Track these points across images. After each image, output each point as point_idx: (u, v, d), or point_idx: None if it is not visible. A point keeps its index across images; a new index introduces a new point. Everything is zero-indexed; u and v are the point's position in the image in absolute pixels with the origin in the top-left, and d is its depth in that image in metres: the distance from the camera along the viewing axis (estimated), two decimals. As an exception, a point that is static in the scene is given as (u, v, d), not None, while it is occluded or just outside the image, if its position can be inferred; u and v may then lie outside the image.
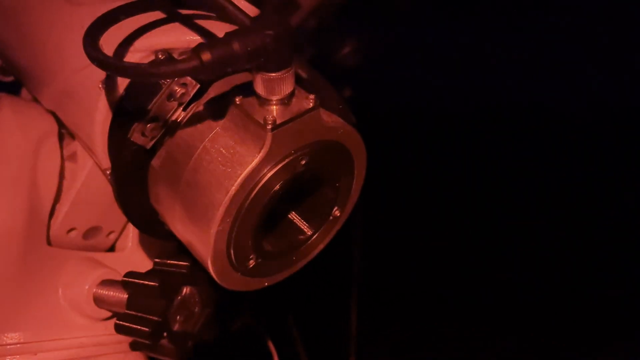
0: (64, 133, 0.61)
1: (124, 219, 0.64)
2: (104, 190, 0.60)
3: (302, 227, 0.51)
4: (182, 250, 0.57)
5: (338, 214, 0.52)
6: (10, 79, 0.72)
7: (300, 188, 0.47)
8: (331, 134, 0.46)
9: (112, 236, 0.64)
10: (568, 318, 1.45)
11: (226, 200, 0.41)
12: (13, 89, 0.72)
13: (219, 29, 0.49)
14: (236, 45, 0.37)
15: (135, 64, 0.36)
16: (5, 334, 0.54)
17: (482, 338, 1.44)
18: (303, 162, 0.44)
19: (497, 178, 1.65)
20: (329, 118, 0.45)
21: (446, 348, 1.44)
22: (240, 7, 0.43)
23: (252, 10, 0.55)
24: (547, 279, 1.51)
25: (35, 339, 0.55)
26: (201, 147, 0.44)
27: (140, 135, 0.45)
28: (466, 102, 1.71)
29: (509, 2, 1.60)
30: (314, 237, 0.51)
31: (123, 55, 0.47)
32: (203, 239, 0.43)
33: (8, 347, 0.54)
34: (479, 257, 1.55)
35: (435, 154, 1.65)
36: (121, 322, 0.51)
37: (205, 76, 0.36)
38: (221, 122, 0.44)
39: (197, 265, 0.53)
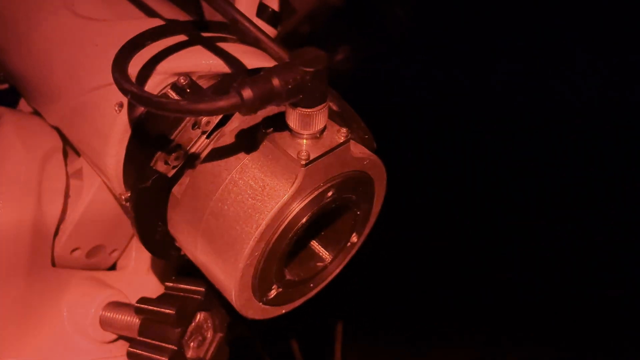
0: (68, 149, 0.59)
1: (127, 237, 0.63)
2: (109, 209, 0.59)
3: (322, 255, 0.50)
4: (185, 270, 0.56)
5: (356, 240, 0.52)
6: (4, 86, 0.69)
7: (323, 217, 0.47)
8: (358, 165, 0.45)
9: (115, 254, 0.63)
10: (568, 318, 1.47)
11: (256, 234, 0.41)
12: (7, 97, 0.69)
13: (240, 51, 0.49)
14: (276, 82, 0.36)
15: (174, 101, 0.35)
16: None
17: (482, 338, 1.46)
18: (330, 193, 0.44)
19: (496, 178, 1.66)
20: (356, 149, 0.45)
21: (446, 348, 1.45)
22: (259, 26, 0.42)
23: (270, 31, 0.55)
24: (546, 279, 1.53)
25: (39, 364, 0.53)
26: (228, 178, 0.43)
27: (163, 163, 0.44)
28: (466, 102, 1.72)
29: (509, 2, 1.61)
30: (332, 263, 0.51)
31: (146, 79, 0.45)
32: (229, 272, 0.43)
33: (12, 373, 0.52)
34: (478, 257, 1.56)
35: (435, 154, 1.66)
36: (135, 350, 0.50)
37: (245, 113, 0.36)
38: (249, 154, 0.43)
39: (210, 291, 0.53)
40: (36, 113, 0.60)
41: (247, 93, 0.35)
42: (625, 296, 1.49)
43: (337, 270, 0.53)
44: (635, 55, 1.64)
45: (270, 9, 0.54)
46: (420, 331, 1.48)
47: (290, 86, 0.36)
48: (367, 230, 0.53)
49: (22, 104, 0.65)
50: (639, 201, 1.61)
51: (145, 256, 0.64)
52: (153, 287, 0.64)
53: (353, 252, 0.53)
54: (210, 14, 0.72)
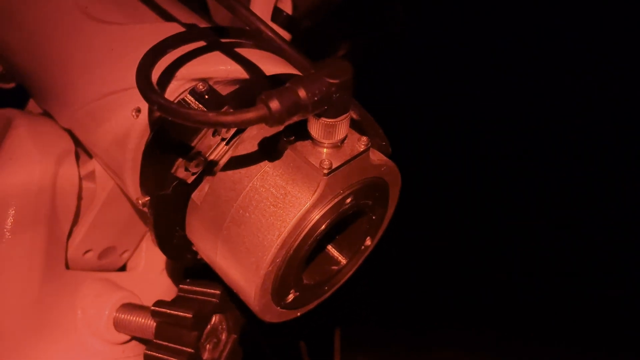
0: (80, 151, 0.59)
1: (138, 238, 0.63)
2: (122, 211, 0.59)
3: (337, 258, 0.51)
4: (194, 270, 0.57)
5: (369, 243, 0.52)
6: (10, 85, 0.69)
7: (340, 222, 0.47)
8: (376, 171, 0.46)
9: (126, 255, 0.63)
10: (568, 318, 1.49)
11: (278, 242, 0.41)
12: (14, 95, 0.69)
13: (257, 56, 0.49)
14: (302, 94, 0.37)
15: (201, 112, 0.35)
16: (26, 363, 0.52)
17: (482, 339, 1.47)
18: (349, 200, 0.45)
19: (496, 178, 1.67)
20: (374, 156, 0.45)
21: (446, 348, 1.47)
22: (275, 29, 0.43)
23: (285, 35, 0.55)
24: (546, 279, 1.55)
25: (55, 367, 0.54)
26: (250, 185, 0.43)
27: (183, 170, 0.45)
28: (465, 102, 1.73)
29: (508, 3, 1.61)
30: (346, 266, 0.52)
31: (164, 85, 0.45)
32: (249, 278, 0.43)
33: (28, 376, 0.52)
34: (478, 257, 1.58)
35: (434, 154, 1.66)
36: (151, 353, 0.50)
37: (272, 124, 0.36)
38: (270, 161, 0.43)
39: (225, 293, 0.53)
40: (46, 114, 0.60)
41: (274, 105, 0.36)
42: (625, 296, 1.50)
43: (350, 273, 0.53)
44: (635, 55, 1.66)
45: (284, 13, 0.54)
46: (420, 331, 1.49)
47: (316, 98, 0.37)
48: (380, 233, 0.53)
49: (32, 104, 0.65)
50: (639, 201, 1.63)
51: (156, 257, 0.64)
52: (163, 288, 0.64)
53: (366, 254, 0.54)
54: (216, 11, 0.72)
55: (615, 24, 1.65)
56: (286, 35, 0.55)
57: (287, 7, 0.54)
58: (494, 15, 1.64)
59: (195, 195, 0.46)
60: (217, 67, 0.47)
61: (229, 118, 0.35)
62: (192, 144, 0.44)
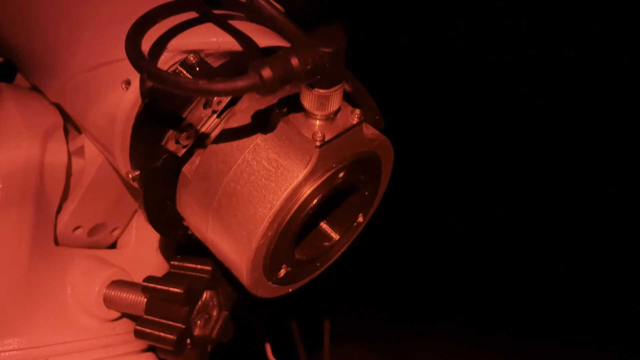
0: (69, 126, 0.58)
1: (128, 215, 0.63)
2: (112, 187, 0.58)
3: (329, 234, 0.51)
4: (186, 247, 0.56)
5: (361, 220, 0.52)
6: (-1, 60, 0.67)
7: (332, 198, 0.47)
8: (369, 145, 0.45)
9: (116, 232, 0.62)
10: (567, 318, 1.50)
11: (270, 214, 0.41)
12: (2, 71, 0.68)
13: (249, 29, 0.48)
14: (295, 62, 0.36)
15: (192, 80, 0.35)
16: (15, 339, 0.52)
17: (480, 340, 1.48)
18: (341, 174, 0.44)
19: (495, 178, 1.68)
20: (367, 130, 0.45)
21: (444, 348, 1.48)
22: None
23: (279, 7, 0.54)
24: (546, 279, 1.56)
25: (44, 343, 0.53)
26: (241, 158, 0.43)
27: (174, 142, 0.44)
28: (464, 102, 1.72)
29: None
30: (338, 242, 0.51)
31: (155, 57, 0.45)
32: (241, 251, 0.43)
33: (17, 352, 0.52)
34: (470, 250, 1.58)
35: (433, 154, 1.66)
36: (141, 328, 0.50)
37: (263, 93, 0.35)
38: (262, 134, 0.43)
39: (217, 269, 0.53)
40: (35, 88, 0.59)
41: (266, 73, 0.35)
42: (625, 296, 1.51)
43: (343, 249, 0.53)
44: (634, 55, 1.65)
45: (277, -14, 0.53)
46: (411, 321, 1.50)
47: (309, 67, 0.36)
48: (372, 211, 0.53)
49: (19, 78, 0.64)
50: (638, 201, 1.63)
51: (146, 234, 0.64)
52: (154, 265, 0.64)
53: (358, 231, 0.53)
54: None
55: (615, 24, 1.65)
56: (278, 7, 0.54)
57: (280, -20, 0.53)
58: (495, 15, 1.63)
59: (185, 168, 0.46)
60: (209, 39, 0.46)
61: (220, 86, 0.35)
62: (184, 116, 0.43)
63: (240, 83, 0.35)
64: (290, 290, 0.50)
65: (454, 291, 1.54)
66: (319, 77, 0.37)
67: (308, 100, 0.40)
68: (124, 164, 0.49)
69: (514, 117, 1.74)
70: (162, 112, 0.44)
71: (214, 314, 0.54)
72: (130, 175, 0.47)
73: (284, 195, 0.41)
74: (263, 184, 0.41)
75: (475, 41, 1.68)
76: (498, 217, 1.66)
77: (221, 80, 0.34)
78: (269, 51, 0.47)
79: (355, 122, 0.42)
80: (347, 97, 0.46)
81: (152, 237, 0.64)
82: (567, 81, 1.71)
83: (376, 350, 1.48)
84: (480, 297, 1.54)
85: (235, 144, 0.43)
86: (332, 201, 0.49)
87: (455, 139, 1.74)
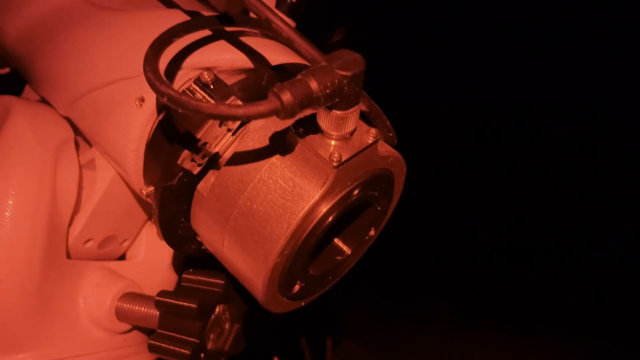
0: (79, 139, 0.58)
1: (138, 227, 0.63)
2: (123, 200, 0.58)
3: (342, 248, 0.51)
4: (195, 259, 0.56)
5: (373, 233, 0.52)
6: (5, 71, 0.67)
7: (346, 214, 0.47)
8: (383, 163, 0.46)
9: (126, 244, 0.62)
10: (567, 318, 1.50)
11: (287, 233, 0.41)
12: (9, 81, 0.68)
13: (262, 45, 0.48)
14: (314, 86, 0.36)
15: (213, 105, 0.35)
16: (28, 353, 0.52)
17: (481, 339, 1.49)
18: (355, 192, 0.45)
19: (495, 178, 1.68)
20: (381, 148, 0.45)
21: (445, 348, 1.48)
22: (281, 18, 0.42)
23: (290, 23, 0.54)
24: (546, 278, 1.57)
25: (57, 357, 0.53)
26: (257, 177, 0.43)
27: (189, 161, 0.44)
28: (464, 102, 1.73)
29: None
30: (351, 256, 0.52)
31: (172, 74, 0.45)
32: (257, 270, 0.43)
33: (31, 366, 0.52)
34: (467, 245, 1.59)
35: (433, 154, 1.66)
36: (155, 343, 0.50)
37: (284, 117, 0.36)
38: (278, 153, 0.43)
39: (229, 283, 0.53)
40: (44, 101, 0.59)
41: (286, 97, 0.35)
42: (625, 296, 1.52)
43: (353, 263, 0.54)
44: (634, 55, 1.66)
45: (289, 1, 0.53)
46: (411, 317, 1.51)
47: (328, 90, 0.36)
48: (383, 224, 0.54)
49: (28, 90, 0.64)
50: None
51: (156, 245, 0.64)
52: (163, 276, 0.64)
53: (370, 244, 0.54)
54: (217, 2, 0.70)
55: (615, 24, 1.65)
56: (291, 23, 0.54)
57: (292, -6, 0.54)
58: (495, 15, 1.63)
59: (200, 186, 0.46)
60: (222, 56, 0.47)
61: (241, 111, 0.35)
62: (198, 136, 0.44)
63: (261, 108, 0.35)
64: (303, 304, 0.51)
65: (454, 291, 1.55)
66: (337, 99, 0.38)
67: (325, 121, 0.40)
68: (137, 180, 0.49)
69: (513, 118, 1.74)
70: (177, 130, 0.44)
71: (226, 327, 0.54)
72: (144, 192, 0.48)
73: (301, 214, 0.41)
74: (280, 203, 0.42)
75: (476, 41, 1.68)
76: (499, 216, 1.67)
77: (242, 106, 0.35)
78: (282, 67, 0.48)
79: (370, 142, 0.42)
80: (362, 114, 0.46)
81: (161, 249, 0.64)
82: (568, 81, 1.71)
83: (376, 348, 1.48)
84: (480, 297, 1.55)
85: (251, 162, 0.44)
86: (345, 217, 0.49)
87: (455, 139, 1.74)
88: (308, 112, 0.37)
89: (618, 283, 1.55)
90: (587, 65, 1.71)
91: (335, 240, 0.51)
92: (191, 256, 0.57)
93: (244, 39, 0.48)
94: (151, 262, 0.64)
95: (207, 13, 0.51)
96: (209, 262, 0.53)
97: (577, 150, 1.73)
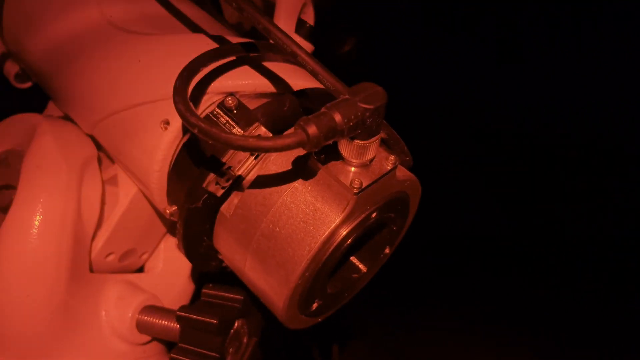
0: (102, 155, 0.60)
1: (157, 240, 0.65)
2: (144, 214, 0.60)
3: (359, 267, 0.53)
4: (210, 274, 0.58)
5: (388, 251, 0.54)
6: (27, 85, 0.69)
7: (364, 235, 0.49)
8: (400, 186, 0.47)
9: (145, 257, 0.64)
10: (567, 318, 1.51)
11: (309, 257, 0.43)
12: (30, 94, 0.69)
13: (284, 70, 0.50)
14: (338, 119, 0.38)
15: (242, 137, 0.36)
16: (53, 365, 0.54)
17: (480, 339, 1.50)
18: (374, 215, 0.46)
19: (495, 178, 1.69)
20: (399, 172, 0.47)
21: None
22: (298, 42, 0.43)
23: (307, 46, 0.56)
24: (546, 278, 1.58)
25: (80, 368, 0.55)
26: (280, 200, 0.44)
27: (214, 184, 0.46)
28: (464, 102, 1.73)
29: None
30: (366, 273, 0.53)
31: (197, 100, 0.46)
32: (279, 291, 0.45)
33: (56, 377, 0.54)
34: (478, 257, 1.60)
35: (433, 154, 1.67)
36: (177, 356, 0.52)
37: (309, 149, 0.37)
38: (300, 177, 0.44)
39: (247, 298, 0.55)
40: (67, 117, 0.60)
41: (312, 130, 0.37)
42: (625, 296, 1.53)
43: (368, 279, 0.55)
44: (634, 56, 1.67)
45: (307, 25, 0.55)
46: (415, 314, 1.51)
47: (351, 123, 0.38)
48: (398, 242, 0.55)
49: (51, 106, 0.65)
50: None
51: (174, 258, 0.66)
52: (181, 287, 0.66)
53: (384, 261, 0.55)
54: (227, 11, 0.72)
55: (615, 24, 1.66)
56: (309, 46, 0.56)
57: (310, 18, 0.55)
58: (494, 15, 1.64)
59: (224, 207, 0.47)
60: (245, 81, 0.48)
61: (269, 143, 0.36)
62: (223, 160, 0.45)
63: (287, 140, 0.36)
64: (320, 320, 0.52)
65: (455, 290, 1.56)
66: (359, 130, 0.39)
67: (347, 150, 0.41)
68: (160, 199, 0.51)
69: (513, 118, 1.75)
70: (202, 155, 0.45)
71: (244, 340, 0.56)
72: (168, 211, 0.49)
73: (322, 238, 0.42)
74: (301, 227, 0.43)
75: (476, 41, 1.69)
76: (499, 216, 1.68)
77: (269, 138, 0.36)
78: (303, 93, 0.49)
79: (389, 168, 0.44)
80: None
81: (179, 260, 0.66)
82: (568, 81, 1.72)
83: (378, 347, 1.50)
84: (480, 296, 1.56)
85: (273, 186, 0.45)
86: (362, 238, 0.51)
87: (455, 139, 1.75)
88: (331, 141, 0.39)
89: (618, 283, 1.57)
90: (587, 66, 1.72)
91: (352, 258, 0.52)
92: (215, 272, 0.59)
93: (266, 64, 0.49)
94: (169, 273, 0.65)
95: (229, 35, 0.53)
96: (227, 276, 0.55)
97: (578, 150, 1.74)
